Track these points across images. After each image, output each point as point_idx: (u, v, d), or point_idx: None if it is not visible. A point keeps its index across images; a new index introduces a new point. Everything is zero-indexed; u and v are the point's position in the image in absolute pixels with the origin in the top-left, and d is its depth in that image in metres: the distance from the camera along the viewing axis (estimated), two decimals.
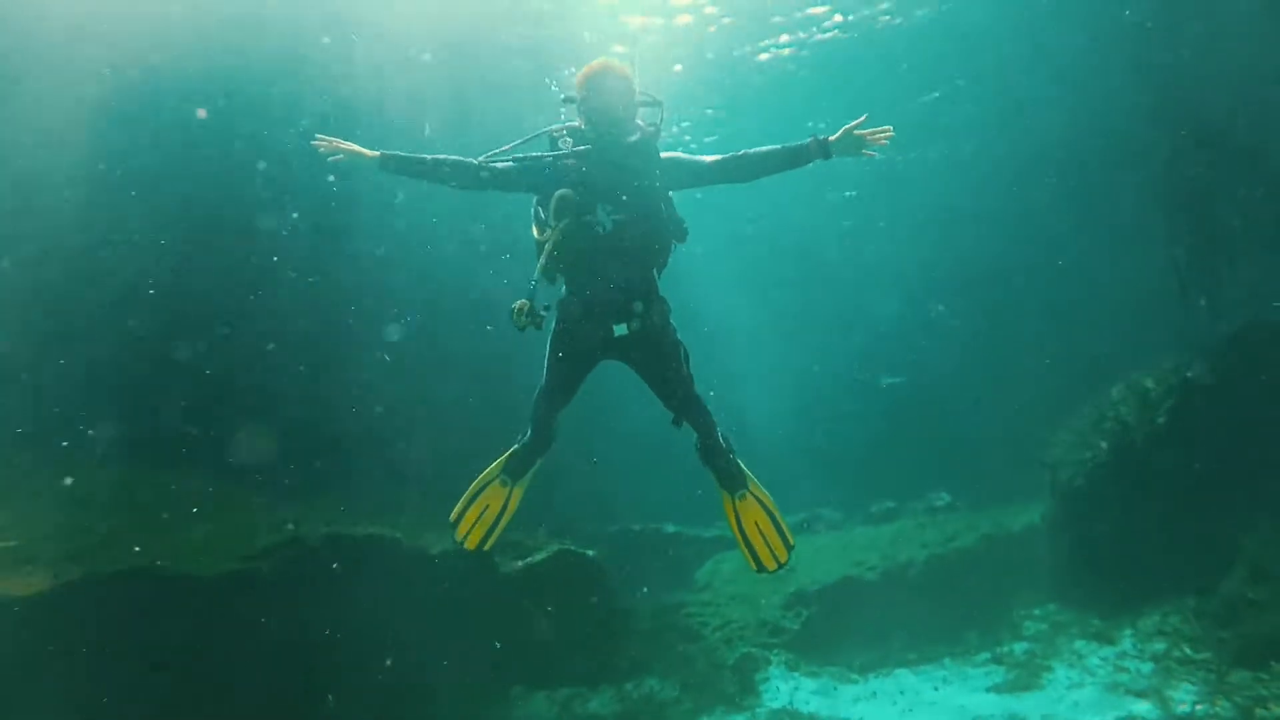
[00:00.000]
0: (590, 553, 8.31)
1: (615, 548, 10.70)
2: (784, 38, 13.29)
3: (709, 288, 15.41)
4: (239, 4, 8.82)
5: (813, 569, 9.88)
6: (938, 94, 14.57)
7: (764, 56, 13.67)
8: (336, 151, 3.79)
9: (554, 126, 3.89)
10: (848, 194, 17.36)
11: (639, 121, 3.77)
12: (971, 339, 14.83)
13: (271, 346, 9.07)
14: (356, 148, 3.80)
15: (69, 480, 6.79)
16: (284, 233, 9.53)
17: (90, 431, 7.41)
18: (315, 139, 3.82)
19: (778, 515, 4.31)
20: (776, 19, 12.58)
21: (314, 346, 9.42)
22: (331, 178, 9.47)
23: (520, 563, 7.84)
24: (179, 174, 8.87)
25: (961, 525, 10.59)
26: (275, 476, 8.19)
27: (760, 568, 4.31)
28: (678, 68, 12.76)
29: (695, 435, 4.22)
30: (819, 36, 13.12)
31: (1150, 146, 10.96)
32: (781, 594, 9.47)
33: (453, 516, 4.37)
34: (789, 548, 4.32)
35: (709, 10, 11.94)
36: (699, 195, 4.20)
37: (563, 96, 3.81)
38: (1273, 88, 9.36)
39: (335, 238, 10.01)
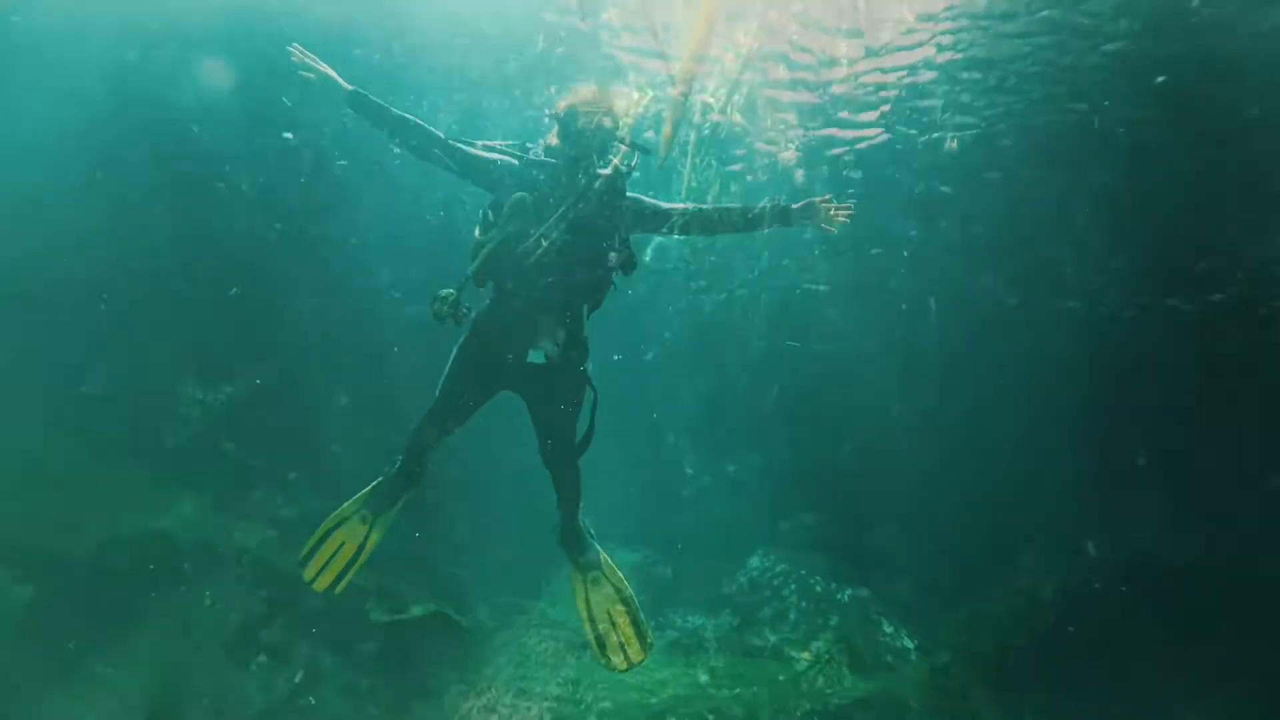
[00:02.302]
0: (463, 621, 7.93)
1: None
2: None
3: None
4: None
5: None
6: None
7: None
8: (310, 67, 3.75)
9: (532, 144, 3.91)
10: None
11: (613, 159, 3.72)
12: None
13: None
14: (330, 72, 3.76)
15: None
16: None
17: None
18: (292, 47, 3.75)
19: (638, 612, 4.06)
20: None
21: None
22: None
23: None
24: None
25: None
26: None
27: (607, 662, 3.99)
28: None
29: (557, 512, 4.06)
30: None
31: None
32: None
33: (302, 554, 4.03)
34: (646, 647, 4.03)
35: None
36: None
37: (547, 112, 3.84)
38: None
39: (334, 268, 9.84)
